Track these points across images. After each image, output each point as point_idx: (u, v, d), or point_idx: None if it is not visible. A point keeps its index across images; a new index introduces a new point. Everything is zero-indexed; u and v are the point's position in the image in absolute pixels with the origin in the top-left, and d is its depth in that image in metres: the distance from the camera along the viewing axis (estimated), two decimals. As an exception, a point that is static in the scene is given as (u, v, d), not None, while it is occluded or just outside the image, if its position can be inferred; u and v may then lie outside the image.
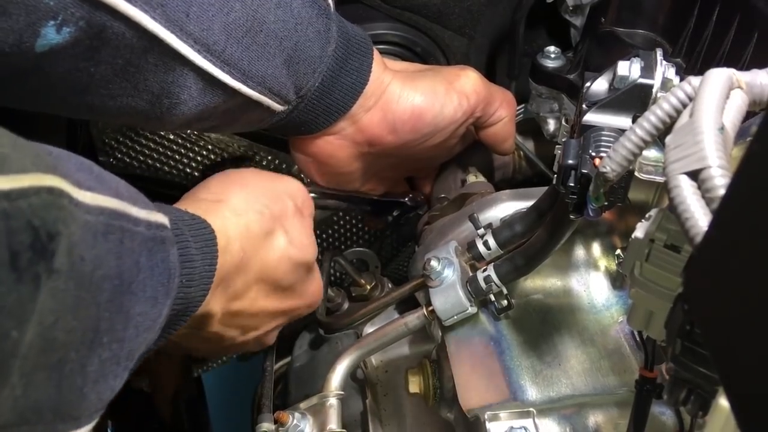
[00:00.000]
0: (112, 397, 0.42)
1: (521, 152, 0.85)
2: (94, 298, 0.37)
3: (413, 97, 0.68)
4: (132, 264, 0.41)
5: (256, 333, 0.62)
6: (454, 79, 0.71)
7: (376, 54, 0.67)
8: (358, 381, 0.73)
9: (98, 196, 0.39)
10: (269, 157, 0.92)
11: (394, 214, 0.83)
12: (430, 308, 0.62)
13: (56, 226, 0.34)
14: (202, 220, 0.51)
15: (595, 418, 0.56)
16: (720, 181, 0.32)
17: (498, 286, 0.61)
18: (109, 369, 0.40)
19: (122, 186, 0.43)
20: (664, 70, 0.54)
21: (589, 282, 0.65)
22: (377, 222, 0.86)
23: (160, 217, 0.45)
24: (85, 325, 0.37)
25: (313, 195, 0.76)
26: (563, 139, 0.69)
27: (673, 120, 0.38)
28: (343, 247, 0.96)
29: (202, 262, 0.49)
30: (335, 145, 0.69)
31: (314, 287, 0.65)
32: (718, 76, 0.37)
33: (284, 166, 0.93)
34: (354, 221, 0.97)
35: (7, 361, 0.33)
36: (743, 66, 0.63)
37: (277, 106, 0.60)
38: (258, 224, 0.57)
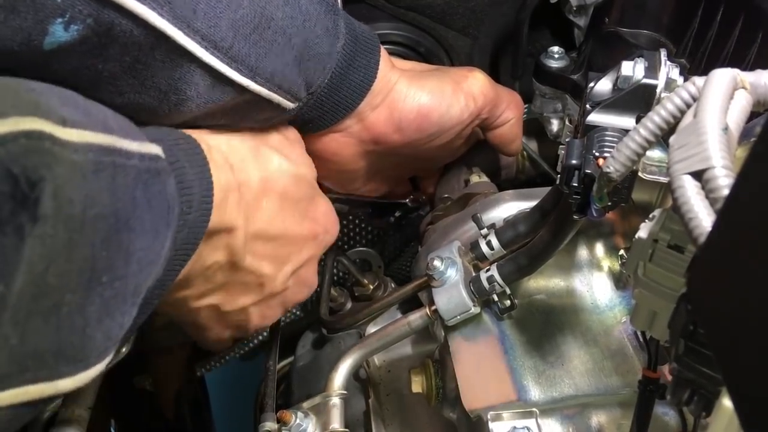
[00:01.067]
0: (123, 333, 0.42)
1: (525, 152, 0.85)
2: (87, 239, 0.37)
3: (420, 96, 0.68)
4: (127, 200, 0.40)
5: (291, 266, 0.62)
6: (461, 79, 0.71)
7: (383, 52, 0.67)
8: (360, 381, 0.73)
9: (85, 132, 0.38)
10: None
11: (396, 215, 0.84)
12: (433, 308, 0.62)
13: (38, 171, 0.34)
14: (190, 138, 0.52)
15: (598, 418, 0.56)
16: (724, 181, 0.32)
17: (501, 286, 0.61)
18: (115, 306, 0.40)
19: (111, 118, 0.42)
20: (668, 70, 0.54)
21: (593, 282, 0.65)
22: (379, 222, 0.86)
23: (153, 148, 0.45)
24: (80, 267, 0.37)
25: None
26: (567, 140, 0.69)
27: (677, 120, 0.38)
28: (346, 247, 0.96)
29: (200, 186, 0.49)
30: (341, 143, 0.69)
31: (323, 208, 0.65)
32: (722, 76, 0.37)
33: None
34: (357, 221, 0.97)
35: None
36: (747, 66, 0.63)
37: (288, 104, 0.60)
38: (239, 139, 0.57)
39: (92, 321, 0.39)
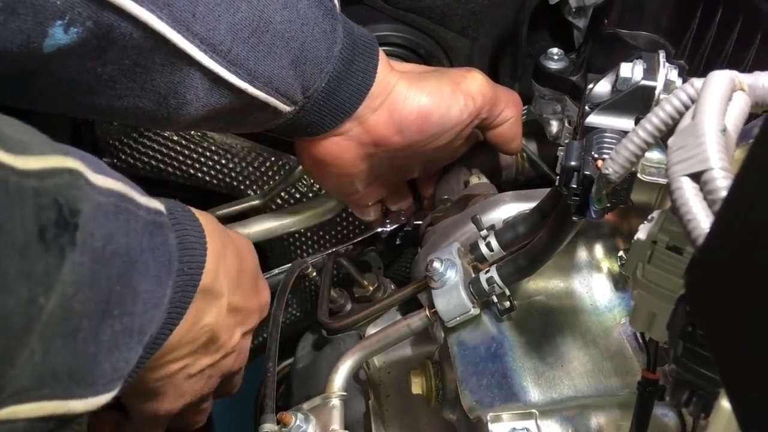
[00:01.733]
0: (128, 371, 0.45)
1: (524, 153, 0.85)
2: (105, 272, 0.40)
3: (419, 97, 0.69)
4: (136, 244, 0.43)
5: (241, 331, 0.62)
6: (460, 80, 0.71)
7: (382, 55, 0.67)
8: (360, 382, 0.73)
9: (107, 179, 0.41)
10: (273, 158, 0.92)
11: (387, 228, 0.84)
12: (433, 309, 0.62)
13: (77, 204, 0.38)
14: (188, 209, 0.54)
15: (597, 419, 0.56)
16: (722, 182, 0.32)
17: (500, 288, 0.61)
18: (122, 341, 0.43)
19: (120, 176, 0.45)
20: (667, 71, 0.55)
21: (592, 283, 0.66)
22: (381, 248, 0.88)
23: (157, 204, 0.48)
24: (98, 297, 0.40)
25: (309, 261, 0.78)
26: (566, 141, 0.69)
27: (676, 122, 0.38)
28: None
29: (199, 246, 0.52)
30: (341, 146, 0.70)
31: (263, 282, 0.67)
32: (721, 78, 0.37)
33: (287, 167, 0.93)
34: (357, 222, 0.97)
35: (31, 325, 0.35)
36: (746, 68, 0.63)
37: (284, 107, 0.60)
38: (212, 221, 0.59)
39: (103, 349, 0.41)
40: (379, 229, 0.84)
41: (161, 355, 0.53)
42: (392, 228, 0.84)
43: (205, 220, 0.55)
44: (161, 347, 0.51)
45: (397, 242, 0.85)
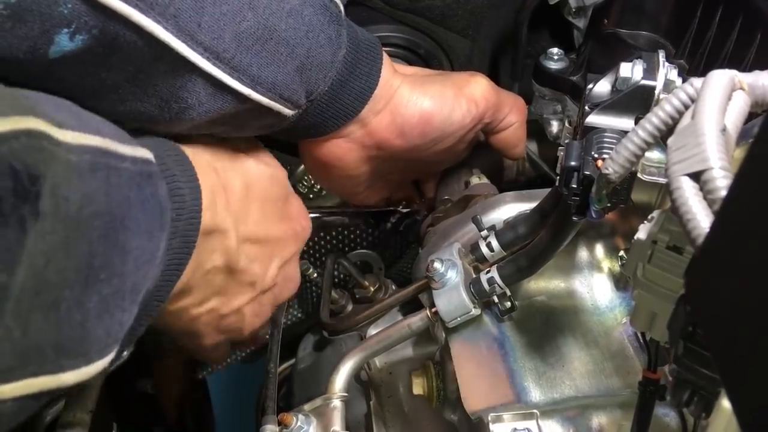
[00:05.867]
0: (125, 332, 0.43)
1: (525, 154, 0.85)
2: (84, 236, 0.38)
3: (422, 101, 0.69)
4: (122, 200, 0.41)
5: (276, 263, 0.63)
6: (463, 84, 0.71)
7: (385, 58, 0.67)
8: (362, 383, 0.73)
9: (80, 134, 0.39)
10: (273, 160, 0.92)
11: (392, 220, 0.84)
12: (434, 310, 0.62)
13: (38, 168, 0.35)
14: (177, 147, 0.53)
15: (598, 419, 0.56)
16: (722, 182, 0.32)
17: (501, 288, 0.61)
18: (114, 303, 0.41)
19: (103, 124, 0.43)
20: (667, 71, 0.55)
21: (593, 284, 0.65)
22: (378, 229, 0.88)
23: (144, 153, 0.46)
24: (78, 263, 0.38)
25: (317, 215, 0.78)
26: (566, 141, 0.69)
27: (676, 122, 0.38)
28: (346, 249, 0.97)
29: (190, 190, 0.51)
30: (344, 149, 0.70)
31: (297, 205, 0.67)
32: (720, 77, 0.37)
33: (288, 168, 0.93)
34: (358, 223, 0.97)
35: None
36: (746, 67, 0.63)
37: (288, 111, 0.61)
38: (218, 148, 0.59)
39: (91, 317, 0.40)
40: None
41: (173, 301, 0.53)
42: (397, 217, 0.84)
43: (199, 157, 0.54)
44: (168, 297, 0.50)
45: (400, 228, 0.85)
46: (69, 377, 0.39)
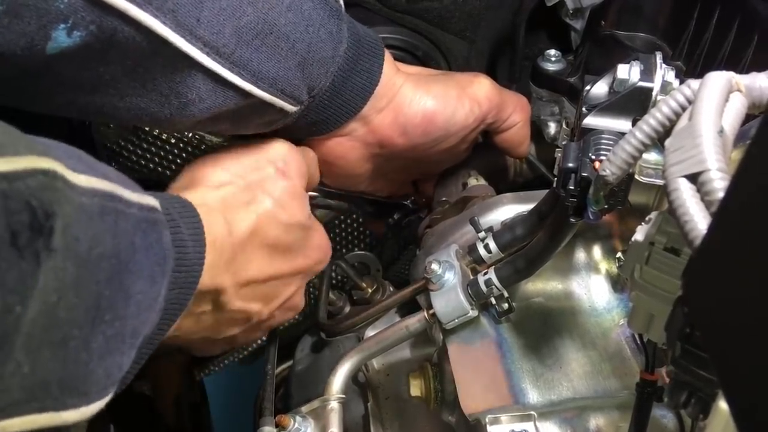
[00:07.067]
0: (121, 376, 0.44)
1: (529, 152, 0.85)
2: (93, 277, 0.39)
3: (425, 100, 0.69)
4: (127, 244, 0.42)
5: (279, 300, 0.63)
6: (467, 85, 0.71)
7: (387, 56, 0.67)
8: (359, 384, 0.73)
9: (91, 178, 0.40)
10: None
11: (395, 217, 0.84)
12: (431, 311, 0.62)
13: (52, 206, 0.36)
14: (186, 202, 0.52)
15: (596, 421, 0.56)
16: (719, 184, 0.32)
17: (499, 289, 0.61)
18: (115, 346, 0.42)
19: (111, 171, 0.44)
20: (664, 73, 0.55)
21: (590, 285, 0.66)
22: (378, 225, 0.87)
23: (150, 200, 0.46)
24: (87, 303, 0.38)
25: (316, 194, 0.77)
26: (563, 143, 0.69)
27: (673, 123, 0.38)
28: (344, 250, 0.96)
29: (193, 244, 0.50)
30: (346, 146, 0.70)
31: (317, 242, 0.65)
32: (718, 79, 0.37)
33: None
34: (355, 224, 0.97)
35: (10, 336, 0.34)
36: (743, 69, 0.63)
37: (290, 107, 0.60)
38: (234, 194, 0.58)
39: (95, 357, 0.40)
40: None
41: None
42: (399, 216, 0.84)
43: (207, 202, 0.54)
44: (157, 345, 0.50)
45: (403, 224, 0.84)
46: (70, 416, 0.39)
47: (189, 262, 0.50)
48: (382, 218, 0.84)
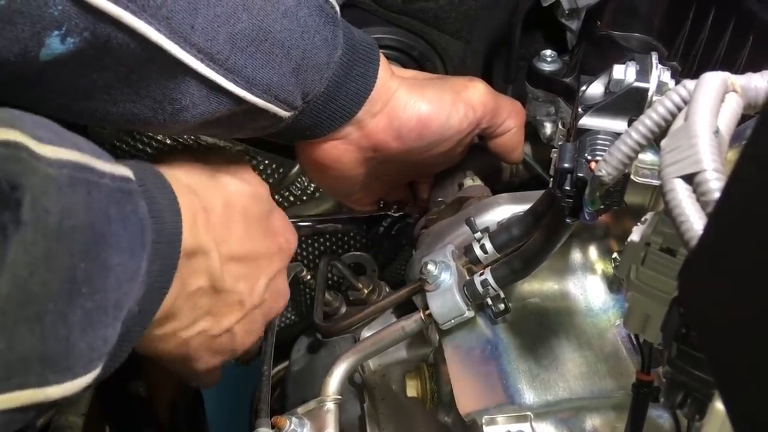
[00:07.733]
0: (108, 349, 0.43)
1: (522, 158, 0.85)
2: (66, 249, 0.38)
3: (420, 105, 0.69)
4: (102, 215, 0.41)
5: (264, 280, 0.63)
6: (461, 89, 0.71)
7: (383, 60, 0.67)
8: (355, 385, 0.73)
9: (59, 149, 0.39)
10: (266, 161, 0.92)
11: (384, 224, 0.84)
12: (427, 312, 0.62)
13: (18, 178, 0.35)
14: (158, 172, 0.52)
15: (592, 421, 0.56)
16: (715, 184, 0.32)
17: (495, 290, 0.61)
18: (97, 318, 0.41)
19: (83, 141, 0.43)
20: (660, 73, 0.55)
21: (586, 285, 0.66)
22: (370, 234, 0.88)
23: (124, 170, 0.46)
24: (61, 276, 0.38)
25: (304, 224, 0.78)
26: (559, 143, 0.69)
27: (669, 123, 0.38)
28: (340, 251, 0.96)
29: (170, 213, 0.50)
30: (341, 150, 0.70)
31: (281, 220, 0.67)
32: (713, 79, 0.37)
33: (282, 170, 0.93)
34: (350, 229, 0.97)
35: None
36: (738, 69, 0.63)
37: (284, 113, 0.61)
38: (196, 168, 0.58)
39: (75, 331, 0.39)
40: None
41: (160, 326, 0.52)
42: (389, 221, 0.84)
43: (177, 179, 0.54)
44: (154, 318, 0.49)
45: (392, 232, 0.85)
46: (55, 391, 0.39)
47: (167, 230, 0.49)
48: (371, 230, 0.85)
